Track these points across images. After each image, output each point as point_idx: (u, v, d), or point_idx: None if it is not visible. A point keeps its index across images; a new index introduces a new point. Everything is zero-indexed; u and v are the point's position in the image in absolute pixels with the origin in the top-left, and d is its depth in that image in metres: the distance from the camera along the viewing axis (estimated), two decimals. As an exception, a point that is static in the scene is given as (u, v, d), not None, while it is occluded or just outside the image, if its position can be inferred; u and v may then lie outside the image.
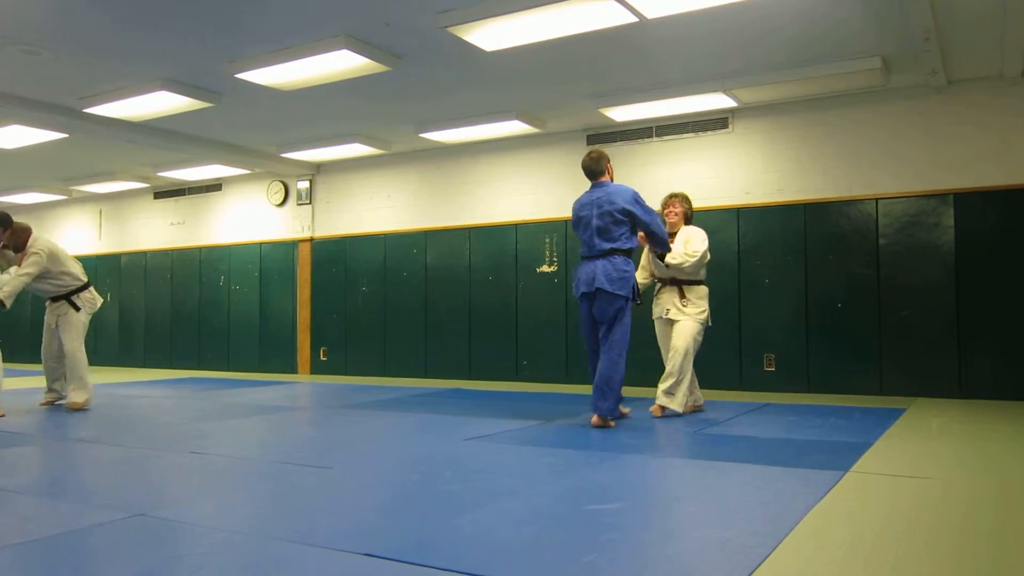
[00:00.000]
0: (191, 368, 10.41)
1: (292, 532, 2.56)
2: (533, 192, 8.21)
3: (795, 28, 5.29)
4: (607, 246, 4.80)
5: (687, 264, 5.19)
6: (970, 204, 6.28)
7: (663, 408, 5.17)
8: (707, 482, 3.41)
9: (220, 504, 3.03)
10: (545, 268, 8.07)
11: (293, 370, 9.65)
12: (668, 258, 5.21)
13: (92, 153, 8.98)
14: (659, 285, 5.45)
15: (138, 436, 4.68)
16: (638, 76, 6.37)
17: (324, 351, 9.47)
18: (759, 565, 2.18)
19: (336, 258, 9.47)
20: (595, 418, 4.81)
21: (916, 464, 3.68)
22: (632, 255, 4.88)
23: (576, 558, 2.26)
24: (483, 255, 8.47)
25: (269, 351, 9.87)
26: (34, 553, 2.39)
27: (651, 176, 7.45)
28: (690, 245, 5.23)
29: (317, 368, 9.51)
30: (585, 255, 4.92)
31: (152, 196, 11.16)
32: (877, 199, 6.60)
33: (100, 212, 11.76)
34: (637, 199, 4.86)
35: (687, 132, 7.38)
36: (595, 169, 5.01)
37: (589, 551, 2.32)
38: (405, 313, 8.91)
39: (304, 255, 9.69)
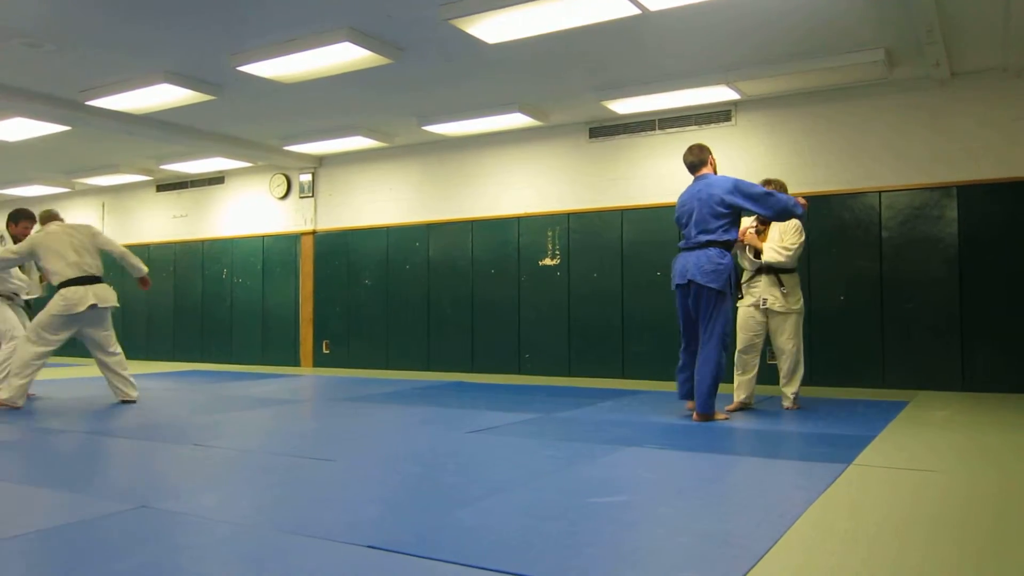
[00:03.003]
0: (194, 361, 10.43)
1: (295, 524, 2.57)
2: (535, 185, 8.20)
3: (798, 20, 5.27)
4: (704, 238, 4.78)
5: (785, 259, 5.16)
6: (973, 197, 6.26)
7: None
8: (710, 475, 3.42)
9: (223, 496, 3.04)
10: (547, 261, 8.06)
11: (296, 363, 9.66)
12: (764, 257, 5.19)
13: (94, 146, 8.98)
14: (750, 273, 5.37)
15: (141, 428, 4.70)
16: (640, 68, 6.35)
17: (327, 344, 9.48)
18: (762, 557, 2.19)
19: (338, 251, 9.48)
20: (694, 414, 4.80)
21: (918, 457, 3.68)
22: (731, 248, 4.83)
23: (578, 551, 2.26)
24: (485, 248, 8.46)
25: (272, 344, 9.88)
26: (39, 544, 2.40)
27: (654, 169, 7.44)
28: (787, 238, 5.19)
29: (319, 361, 9.52)
30: (683, 247, 4.91)
31: (155, 189, 11.16)
32: (880, 192, 6.59)
33: (103, 205, 11.77)
34: (738, 187, 4.76)
35: (690, 125, 7.36)
36: (695, 161, 5.01)
37: (591, 544, 2.33)
38: (407, 306, 8.92)
39: (306, 248, 9.70)
